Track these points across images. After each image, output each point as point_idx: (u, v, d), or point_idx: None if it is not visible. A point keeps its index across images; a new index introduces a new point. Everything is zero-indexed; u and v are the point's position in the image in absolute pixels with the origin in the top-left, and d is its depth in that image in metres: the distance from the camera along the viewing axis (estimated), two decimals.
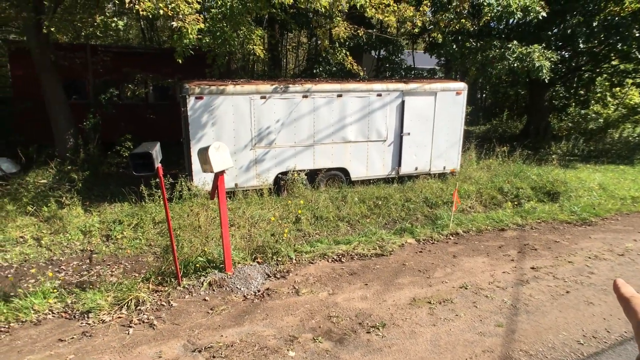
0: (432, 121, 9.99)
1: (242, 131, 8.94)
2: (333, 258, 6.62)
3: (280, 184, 9.26)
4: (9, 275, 6.25)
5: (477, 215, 8.73)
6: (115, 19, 8.65)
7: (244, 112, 8.87)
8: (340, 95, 9.18)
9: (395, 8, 8.56)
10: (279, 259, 6.34)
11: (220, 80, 9.87)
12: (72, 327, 4.56)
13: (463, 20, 9.70)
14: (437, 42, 10.63)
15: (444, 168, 10.52)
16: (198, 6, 7.40)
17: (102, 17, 8.67)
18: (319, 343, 4.44)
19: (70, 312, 4.83)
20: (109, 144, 11.18)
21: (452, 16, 9.73)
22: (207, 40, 8.78)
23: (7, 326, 4.53)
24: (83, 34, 9.50)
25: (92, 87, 11.37)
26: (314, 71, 12.95)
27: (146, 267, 6.46)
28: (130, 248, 7.16)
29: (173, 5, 6.94)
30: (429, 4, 9.13)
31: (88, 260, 6.77)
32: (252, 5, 8.77)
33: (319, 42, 11.03)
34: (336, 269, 6.27)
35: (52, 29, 8.43)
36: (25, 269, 6.46)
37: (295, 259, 6.45)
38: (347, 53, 9.58)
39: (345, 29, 8.60)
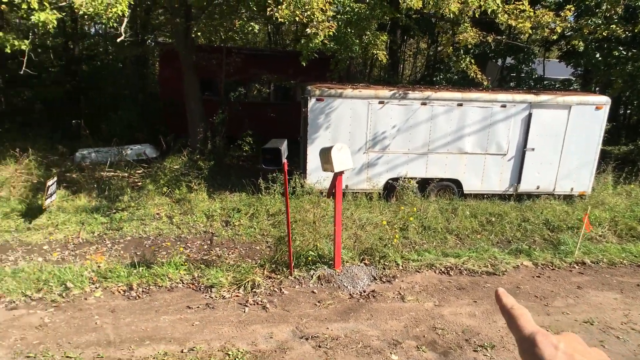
0: (563, 137, 9.11)
1: (357, 134, 9.09)
2: (440, 270, 6.40)
3: (390, 189, 9.22)
4: (147, 245, 7.16)
5: (609, 245, 7.75)
6: (252, 23, 9.44)
7: (361, 116, 9.01)
8: (460, 105, 8.85)
9: (532, 14, 8.00)
10: (386, 263, 6.31)
11: (339, 84, 10.17)
12: (197, 298, 5.07)
13: (613, 26, 8.66)
14: (577, 50, 9.66)
15: (572, 190, 9.52)
16: (332, 14, 7.72)
17: (241, 21, 9.52)
18: (422, 352, 4.34)
19: (196, 284, 5.37)
20: (233, 138, 12.19)
21: (600, 21, 8.75)
22: (332, 46, 9.11)
23: (147, 288, 5.19)
24: (223, 37, 10.48)
25: (223, 86, 12.50)
26: (434, 78, 12.64)
27: (258, 254, 6.91)
28: (245, 235, 7.71)
29: (308, 13, 7.34)
30: (572, 8, 8.33)
31: (209, 242, 7.44)
32: (378, 11, 8.91)
33: (441, 48, 10.77)
34: (443, 281, 6.06)
35: (199, 34, 9.47)
36: (159, 241, 7.33)
37: (402, 266, 6.37)
38: (472, 60, 9.19)
39: (474, 35, 8.26)
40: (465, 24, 8.48)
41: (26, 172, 9.27)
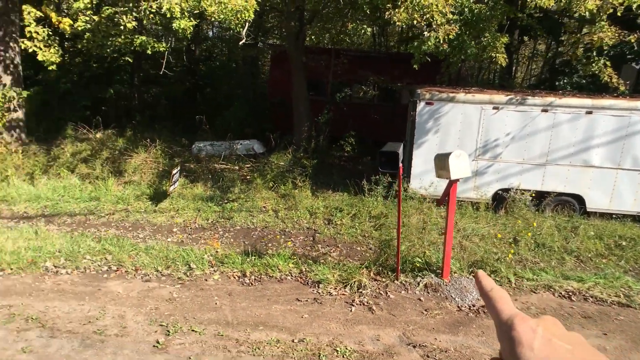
0: None
1: (466, 141, 8.70)
2: (560, 293, 5.84)
3: (500, 200, 8.66)
4: (254, 236, 7.56)
5: None
6: (364, 25, 9.52)
7: (472, 122, 8.60)
8: (589, 112, 8.00)
9: None
10: (497, 279, 5.93)
11: (450, 87, 9.81)
12: (305, 292, 5.22)
13: None
14: None
15: None
16: (451, 16, 7.48)
17: (353, 24, 9.62)
18: None
19: (304, 278, 5.54)
20: (335, 137, 12.39)
21: None
22: (445, 48, 8.81)
23: (259, 277, 5.48)
24: (334, 39, 10.71)
25: (330, 86, 12.77)
26: (556, 83, 11.58)
27: (359, 255, 6.91)
28: (347, 235, 7.77)
29: (427, 15, 7.19)
30: None
31: (312, 238, 7.63)
32: (499, 11, 8.42)
33: (567, 49, 9.85)
34: (564, 306, 5.52)
35: (313, 37, 9.77)
36: (265, 233, 7.69)
37: (515, 284, 5.94)
38: (607, 63, 8.25)
39: (612, 35, 7.40)
40: (602, 22, 7.64)
41: (154, 160, 10.34)
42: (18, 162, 9.95)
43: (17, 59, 10.65)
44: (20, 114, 10.78)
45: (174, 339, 4.17)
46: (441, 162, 5.33)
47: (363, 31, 9.46)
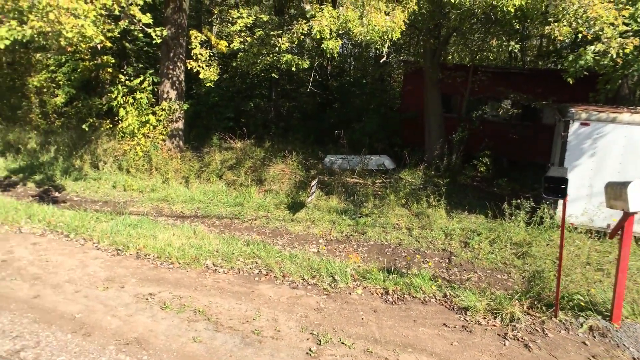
0: None
1: (629, 167, 7.65)
2: None
3: None
4: (388, 252, 7.50)
5: None
6: (512, 42, 8.96)
7: (638, 146, 7.56)
8: None
9: None
10: None
11: (610, 107, 8.77)
12: (452, 317, 4.98)
13: None
14: None
15: None
16: (624, 28, 6.67)
17: (499, 40, 9.11)
18: None
19: (449, 303, 5.30)
20: (469, 156, 11.83)
21: None
22: (606, 62, 7.86)
23: (402, 296, 5.40)
24: (477, 57, 10.29)
25: (465, 103, 12.27)
26: None
27: (501, 283, 6.41)
28: (485, 260, 7.28)
29: (596, 28, 6.52)
30: None
31: (447, 260, 7.30)
32: None
33: None
34: None
35: (452, 54, 9.49)
36: (399, 251, 7.58)
37: None
38: None
39: None
40: None
41: (291, 171, 10.97)
42: (177, 167, 11.35)
43: (182, 77, 12.21)
44: (180, 124, 12.32)
45: (325, 349, 4.28)
46: (615, 191, 4.71)
47: (510, 48, 8.84)
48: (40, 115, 15.32)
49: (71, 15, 7.39)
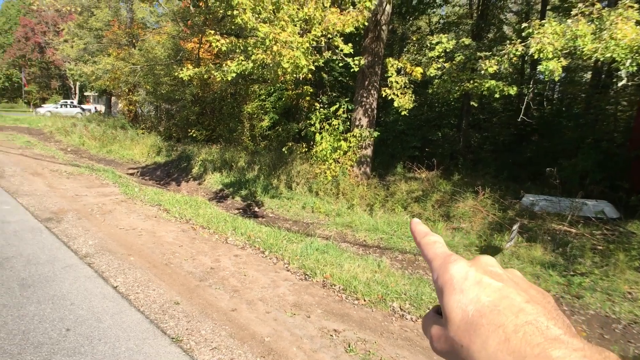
0: None
1: None
2: None
3: None
4: (617, 330, 5.79)
5: None
6: None
7: None
8: None
9: None
10: None
11: None
12: None
13: None
14: None
15: None
16: None
17: None
18: None
19: None
20: None
21: None
22: None
23: None
24: None
25: None
26: None
27: None
28: None
29: None
30: None
31: None
32: None
33: None
34: None
35: None
36: (633, 331, 5.78)
37: None
38: None
39: None
40: None
41: (483, 209, 9.79)
42: (363, 193, 11.33)
43: (374, 104, 12.30)
44: (369, 151, 12.38)
45: None
46: None
47: None
48: (249, 138, 17.51)
49: (288, 48, 8.00)
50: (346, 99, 13.73)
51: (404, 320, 5.44)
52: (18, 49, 60.09)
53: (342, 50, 9.62)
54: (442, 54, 10.39)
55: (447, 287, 0.49)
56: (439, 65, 10.35)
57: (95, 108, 46.74)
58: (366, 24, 9.14)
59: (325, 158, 11.72)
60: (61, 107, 43.63)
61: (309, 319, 5.39)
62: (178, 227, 8.77)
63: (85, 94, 57.28)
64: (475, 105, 13.06)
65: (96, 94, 46.43)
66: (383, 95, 10.95)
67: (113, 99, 38.48)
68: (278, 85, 15.48)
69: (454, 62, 10.17)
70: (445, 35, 10.14)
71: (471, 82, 9.55)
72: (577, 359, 0.38)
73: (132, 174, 15.35)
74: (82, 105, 48.39)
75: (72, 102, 47.50)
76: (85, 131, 23.92)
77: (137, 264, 6.60)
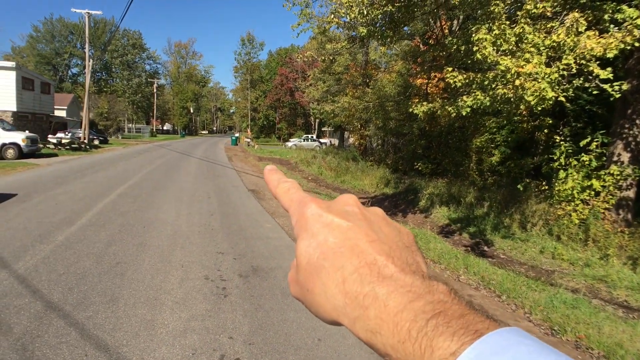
0: None
1: None
2: None
3: None
4: None
5: None
6: None
7: None
8: None
9: None
10: None
11: None
12: None
13: None
14: None
15: None
16: None
17: None
18: None
19: None
20: None
21: None
22: None
23: None
24: None
25: None
26: None
27: None
28: None
29: None
30: None
31: None
32: None
33: None
34: None
35: None
36: None
37: None
38: None
39: None
40: None
41: None
42: (622, 243, 9.48)
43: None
44: (631, 193, 10.32)
45: None
46: None
47: None
48: (476, 172, 16.94)
49: (532, 80, 7.57)
50: (601, 132, 11.84)
51: None
52: (275, 94, 75.22)
53: (597, 76, 8.49)
54: None
55: (301, 231, 0.47)
56: None
57: (330, 142, 53.35)
58: (637, 44, 7.85)
59: (570, 198, 10.35)
60: (304, 140, 51.73)
61: None
62: None
63: (323, 129, 66.10)
64: None
65: (332, 129, 53.01)
66: None
67: (346, 133, 43.16)
68: (513, 117, 14.60)
69: None
70: None
71: None
72: (401, 294, 0.38)
73: (364, 203, 16.77)
74: (320, 139, 55.98)
75: (312, 137, 55.70)
76: (323, 162, 27.51)
77: None
